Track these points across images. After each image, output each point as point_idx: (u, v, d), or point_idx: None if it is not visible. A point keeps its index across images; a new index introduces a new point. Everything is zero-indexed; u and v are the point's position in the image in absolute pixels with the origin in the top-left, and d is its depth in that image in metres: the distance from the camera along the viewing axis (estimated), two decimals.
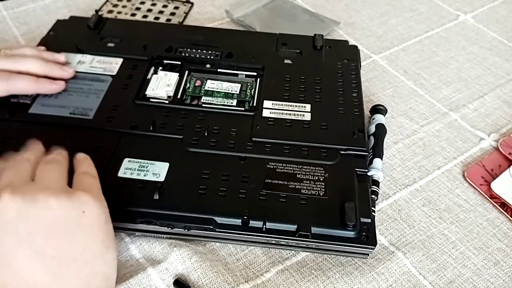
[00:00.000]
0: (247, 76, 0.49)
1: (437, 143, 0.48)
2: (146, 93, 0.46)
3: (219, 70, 0.49)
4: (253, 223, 0.36)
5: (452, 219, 0.42)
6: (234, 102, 0.46)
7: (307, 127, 0.43)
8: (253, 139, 0.42)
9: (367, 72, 0.56)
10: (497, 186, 0.43)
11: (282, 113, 0.44)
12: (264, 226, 0.36)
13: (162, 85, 0.46)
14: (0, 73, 0.42)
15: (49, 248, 0.29)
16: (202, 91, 0.46)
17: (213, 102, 0.45)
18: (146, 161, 0.39)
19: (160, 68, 0.49)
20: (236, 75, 0.49)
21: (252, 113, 0.44)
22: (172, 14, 0.63)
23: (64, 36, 0.52)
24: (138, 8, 0.64)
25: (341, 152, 0.41)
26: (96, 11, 0.62)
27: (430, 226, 0.41)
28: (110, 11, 0.63)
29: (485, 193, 0.43)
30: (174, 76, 0.47)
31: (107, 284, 0.31)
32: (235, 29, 0.61)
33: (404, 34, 0.62)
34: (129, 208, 0.36)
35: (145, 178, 0.38)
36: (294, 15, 0.63)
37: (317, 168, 0.40)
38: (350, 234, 0.36)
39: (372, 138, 0.45)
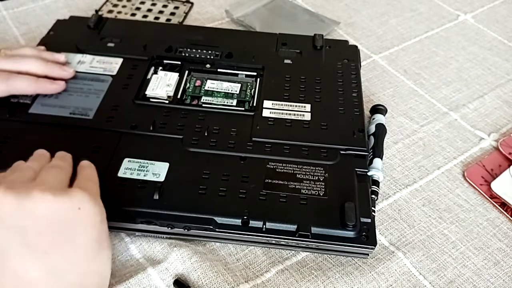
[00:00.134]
0: (247, 76, 0.49)
1: (437, 143, 0.48)
2: (146, 93, 0.46)
3: (219, 70, 0.49)
4: (253, 223, 0.36)
5: (452, 219, 0.42)
6: (234, 102, 0.46)
7: (307, 127, 0.43)
8: (253, 139, 0.42)
9: (367, 72, 0.56)
10: (497, 186, 0.43)
11: (282, 113, 0.44)
12: (264, 226, 0.36)
13: (162, 85, 0.46)
14: (0, 74, 0.42)
15: (43, 243, 0.29)
16: (202, 91, 0.46)
17: (213, 102, 0.45)
18: (146, 161, 0.39)
19: (160, 68, 0.49)
20: (236, 75, 0.49)
21: (252, 113, 0.44)
22: (172, 14, 0.63)
23: (64, 36, 0.52)
24: (138, 8, 0.64)
25: (341, 152, 0.41)
26: (96, 11, 0.62)
27: (430, 226, 0.41)
28: (110, 11, 0.63)
29: (485, 193, 0.43)
30: (174, 76, 0.47)
31: (101, 283, 0.32)
32: (235, 29, 0.61)
33: (404, 34, 0.62)
34: (129, 208, 0.36)
35: (145, 178, 0.38)
36: (294, 15, 0.63)
37: (317, 168, 0.40)
38: (350, 234, 0.36)
39: (372, 138, 0.45)
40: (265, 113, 0.44)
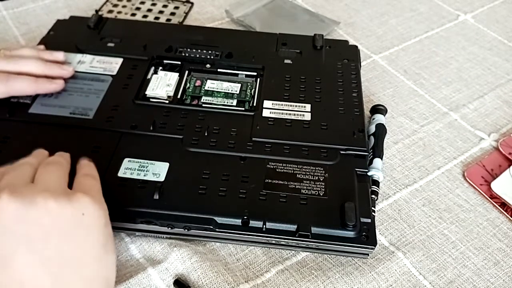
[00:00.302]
0: (247, 76, 0.49)
1: (437, 143, 0.48)
2: (146, 93, 0.46)
3: (219, 70, 0.49)
4: (253, 223, 0.36)
5: (452, 219, 0.42)
6: (234, 102, 0.46)
7: (307, 127, 0.43)
8: (253, 139, 0.42)
9: (367, 72, 0.56)
10: (497, 186, 0.43)
11: (282, 113, 0.44)
12: (264, 226, 0.36)
13: (162, 85, 0.46)
14: None
15: (48, 250, 0.28)
16: (202, 91, 0.46)
17: (213, 102, 0.45)
18: (146, 161, 0.39)
19: (160, 68, 0.49)
20: (236, 75, 0.49)
21: (252, 113, 0.44)
22: (172, 14, 0.63)
23: (64, 36, 0.52)
24: (138, 8, 0.64)
25: (341, 152, 0.41)
26: (96, 11, 0.62)
27: (430, 226, 0.41)
28: (110, 11, 0.63)
29: (485, 193, 0.43)
30: (174, 76, 0.47)
31: (107, 287, 0.31)
32: (235, 29, 0.61)
33: (404, 34, 0.62)
34: (129, 208, 0.36)
35: (145, 178, 0.38)
36: (294, 15, 0.63)
37: (317, 168, 0.40)
38: (350, 234, 0.36)
39: (372, 138, 0.45)
40: (265, 113, 0.44)
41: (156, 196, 0.37)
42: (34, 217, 0.28)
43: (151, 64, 0.49)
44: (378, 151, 0.44)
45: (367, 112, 0.49)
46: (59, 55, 0.47)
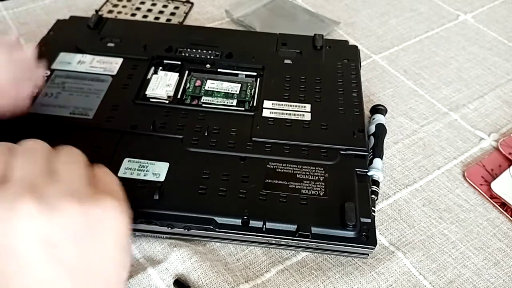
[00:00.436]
0: (247, 76, 0.49)
1: (437, 143, 0.48)
2: (146, 93, 0.46)
3: (219, 70, 0.49)
4: (253, 223, 0.36)
5: (452, 219, 0.42)
6: (234, 102, 0.46)
7: (307, 127, 0.43)
8: (253, 139, 0.42)
9: (367, 72, 0.56)
10: (497, 186, 0.43)
11: (282, 113, 0.44)
12: (264, 226, 0.36)
13: (162, 85, 0.46)
14: None
15: (72, 256, 0.27)
16: (202, 91, 0.46)
17: (213, 102, 0.45)
18: (146, 161, 0.39)
19: (160, 68, 0.49)
20: (236, 75, 0.49)
21: (252, 113, 0.44)
22: (172, 14, 0.63)
23: (64, 36, 0.52)
24: (138, 8, 0.64)
25: (341, 152, 0.41)
26: (96, 11, 0.62)
27: (430, 226, 0.41)
28: (110, 11, 0.63)
29: (485, 193, 0.43)
30: (174, 76, 0.47)
31: None
32: (235, 29, 0.61)
33: (404, 34, 0.62)
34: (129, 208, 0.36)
35: (145, 178, 0.38)
36: (294, 15, 0.63)
37: (317, 168, 0.40)
38: (350, 234, 0.36)
39: (372, 138, 0.45)
40: (265, 113, 0.44)
41: (156, 196, 0.37)
42: (59, 222, 0.26)
43: (151, 64, 0.49)
44: (378, 151, 0.44)
45: (367, 112, 0.49)
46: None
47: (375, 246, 0.36)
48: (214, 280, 0.36)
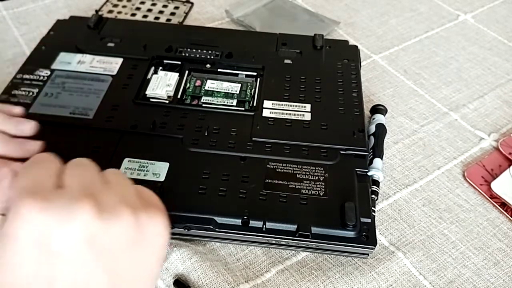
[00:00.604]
0: (247, 76, 0.49)
1: (437, 143, 0.48)
2: (146, 93, 0.46)
3: (219, 70, 0.49)
4: (253, 223, 0.36)
5: (452, 219, 0.42)
6: (234, 102, 0.46)
7: (307, 127, 0.43)
8: (253, 139, 0.42)
9: (367, 72, 0.56)
10: (497, 186, 0.43)
11: (282, 113, 0.44)
12: (264, 226, 0.36)
13: (162, 85, 0.46)
14: None
15: (118, 265, 0.26)
16: (202, 91, 0.46)
17: (213, 102, 0.45)
18: (146, 161, 0.39)
19: (160, 68, 0.49)
20: (236, 75, 0.49)
21: (252, 113, 0.44)
22: (172, 14, 0.63)
23: (64, 36, 0.52)
24: (138, 8, 0.64)
25: (341, 152, 0.41)
26: (96, 11, 0.62)
27: (430, 226, 0.41)
28: (110, 11, 0.63)
29: (485, 193, 0.43)
30: (174, 76, 0.47)
31: None
32: (235, 29, 0.61)
33: (404, 34, 0.62)
34: None
35: (145, 178, 0.38)
36: (294, 15, 0.63)
37: (317, 168, 0.40)
38: (350, 234, 0.36)
39: (372, 138, 0.45)
40: (265, 113, 0.44)
41: None
42: (112, 229, 0.26)
43: (151, 64, 0.49)
44: (378, 151, 0.44)
45: (367, 112, 0.49)
46: (18, 110, 0.41)
47: (375, 246, 0.36)
48: (214, 280, 0.36)
